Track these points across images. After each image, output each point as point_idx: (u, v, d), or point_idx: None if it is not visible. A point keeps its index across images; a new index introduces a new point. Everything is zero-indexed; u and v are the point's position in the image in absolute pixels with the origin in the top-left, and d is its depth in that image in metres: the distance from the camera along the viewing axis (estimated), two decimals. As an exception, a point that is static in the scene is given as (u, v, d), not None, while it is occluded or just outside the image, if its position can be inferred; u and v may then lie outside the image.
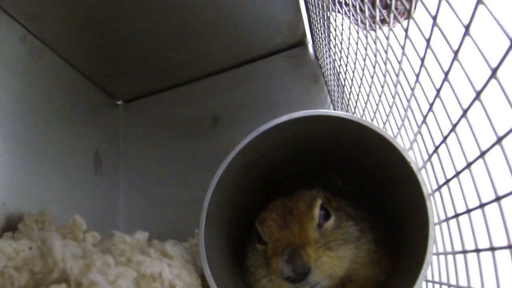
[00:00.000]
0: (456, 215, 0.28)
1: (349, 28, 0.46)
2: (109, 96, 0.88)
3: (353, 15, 0.42)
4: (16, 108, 0.60)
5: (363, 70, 0.44)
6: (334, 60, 0.59)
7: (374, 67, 0.40)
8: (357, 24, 0.41)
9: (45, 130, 0.65)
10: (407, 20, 0.29)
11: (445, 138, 0.28)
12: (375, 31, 0.37)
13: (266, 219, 0.39)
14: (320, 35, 0.67)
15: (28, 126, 0.61)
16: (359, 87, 0.47)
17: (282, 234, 0.37)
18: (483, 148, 0.23)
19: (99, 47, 0.74)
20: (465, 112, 0.24)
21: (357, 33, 0.43)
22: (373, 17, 0.36)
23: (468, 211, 0.26)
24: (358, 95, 0.49)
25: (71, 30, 0.68)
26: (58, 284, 0.34)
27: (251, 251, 0.41)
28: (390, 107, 0.38)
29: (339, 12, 0.47)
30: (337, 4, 0.47)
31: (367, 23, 0.38)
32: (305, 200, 0.39)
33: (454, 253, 0.29)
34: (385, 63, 0.37)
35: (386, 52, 0.35)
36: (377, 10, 0.35)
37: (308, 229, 0.36)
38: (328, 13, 0.53)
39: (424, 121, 0.31)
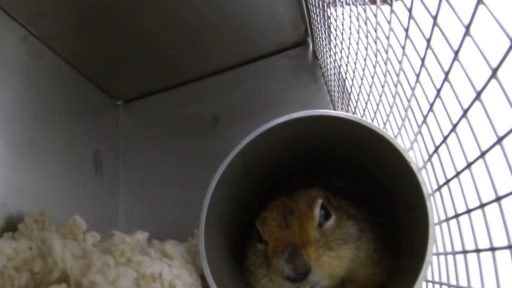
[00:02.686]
0: (456, 215, 0.28)
1: (350, 28, 0.46)
2: (109, 97, 0.88)
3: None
4: (16, 108, 0.59)
5: (363, 70, 0.44)
6: (335, 60, 0.59)
7: (374, 67, 0.40)
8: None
9: (45, 130, 0.65)
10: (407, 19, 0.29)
11: (445, 138, 0.28)
12: (375, 30, 0.37)
13: (266, 219, 0.39)
14: (320, 35, 0.67)
15: (28, 126, 0.61)
16: (360, 87, 0.47)
17: (283, 234, 0.37)
18: (484, 148, 0.23)
19: (99, 47, 0.74)
20: (465, 112, 0.24)
21: (358, 33, 0.43)
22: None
23: (468, 211, 0.26)
24: (358, 95, 0.49)
25: (71, 30, 0.68)
26: (58, 284, 0.34)
27: (251, 251, 0.41)
28: (391, 107, 0.38)
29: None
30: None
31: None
32: (305, 199, 0.39)
33: (454, 253, 0.29)
34: (385, 63, 0.37)
35: (386, 52, 0.35)
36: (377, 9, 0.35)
37: (309, 228, 0.36)
38: (329, 12, 0.53)
39: (424, 121, 0.31)
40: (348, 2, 0.43)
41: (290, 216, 0.38)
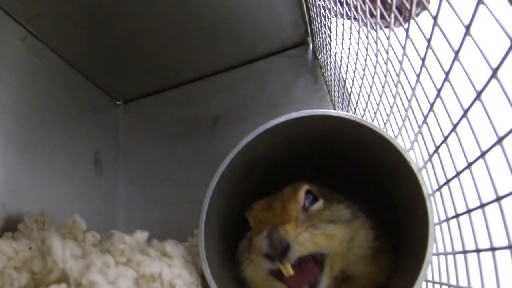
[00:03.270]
0: (457, 215, 0.28)
1: (350, 28, 0.46)
2: (109, 96, 0.88)
3: (354, 17, 0.42)
4: (15, 108, 0.59)
5: (364, 70, 0.44)
6: (335, 60, 0.59)
7: (375, 67, 0.40)
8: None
9: (45, 130, 0.65)
10: (407, 22, 0.29)
11: (445, 138, 0.28)
12: (376, 31, 0.37)
13: (253, 206, 0.40)
14: (320, 35, 0.67)
15: (28, 126, 0.61)
16: (360, 87, 0.47)
17: (265, 215, 0.37)
18: (484, 148, 0.23)
19: (99, 47, 0.74)
20: (465, 112, 0.24)
21: (358, 33, 0.43)
22: (373, 16, 0.36)
23: (469, 211, 0.26)
24: (358, 95, 0.49)
25: (71, 30, 0.68)
26: (58, 284, 0.34)
27: (241, 242, 0.42)
28: (391, 107, 0.38)
29: (340, 14, 0.47)
30: (338, 4, 0.47)
31: (368, 23, 0.38)
32: (291, 186, 0.39)
33: (454, 253, 0.29)
34: (386, 63, 0.37)
35: (387, 52, 0.35)
36: (378, 10, 0.35)
37: (290, 208, 0.36)
38: (329, 13, 0.53)
39: (424, 121, 0.31)
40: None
41: (275, 199, 0.38)
